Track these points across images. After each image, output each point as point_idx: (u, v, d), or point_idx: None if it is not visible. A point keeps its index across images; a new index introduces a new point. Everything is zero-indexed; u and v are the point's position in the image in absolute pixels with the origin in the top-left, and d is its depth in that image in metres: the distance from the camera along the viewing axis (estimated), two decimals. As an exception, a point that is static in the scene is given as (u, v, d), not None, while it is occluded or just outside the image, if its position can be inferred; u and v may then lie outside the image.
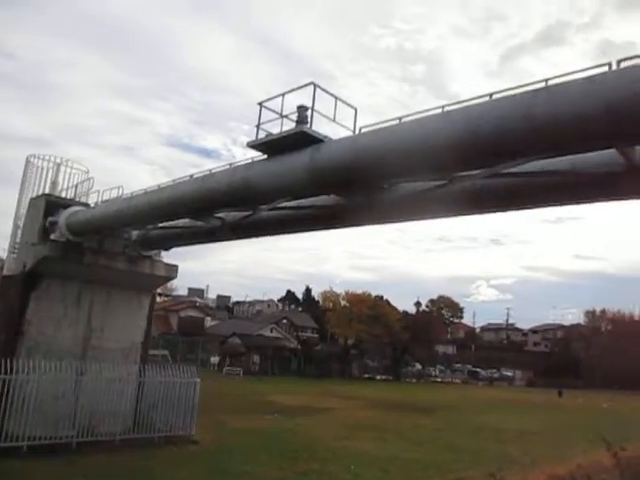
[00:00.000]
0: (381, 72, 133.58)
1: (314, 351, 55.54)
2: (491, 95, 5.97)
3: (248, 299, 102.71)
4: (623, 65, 5.16)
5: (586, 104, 4.85)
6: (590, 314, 70.34)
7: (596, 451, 11.86)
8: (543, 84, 5.56)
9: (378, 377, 57.39)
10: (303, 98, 8.42)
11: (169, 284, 67.49)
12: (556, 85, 5.31)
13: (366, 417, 24.75)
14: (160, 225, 13.32)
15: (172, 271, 17.44)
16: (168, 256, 17.24)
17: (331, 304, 61.60)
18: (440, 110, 6.48)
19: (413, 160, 6.56)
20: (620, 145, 5.48)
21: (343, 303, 59.87)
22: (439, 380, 63.56)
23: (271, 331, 57.63)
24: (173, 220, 12.39)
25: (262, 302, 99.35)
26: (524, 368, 68.06)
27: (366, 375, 56.46)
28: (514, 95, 5.53)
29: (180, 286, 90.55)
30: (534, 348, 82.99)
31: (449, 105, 6.54)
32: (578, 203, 7.36)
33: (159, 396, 15.50)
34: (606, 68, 5.24)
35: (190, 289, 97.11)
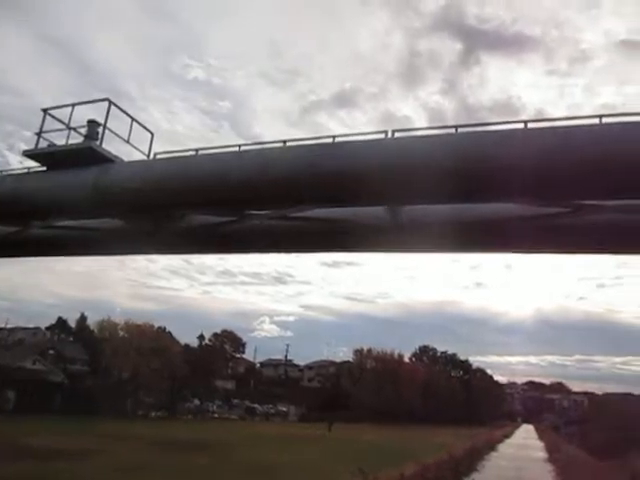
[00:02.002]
0: (186, 101, 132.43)
1: (83, 386, 50.58)
2: (285, 142, 6.34)
3: (8, 326, 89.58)
4: (397, 135, 5.95)
5: (364, 163, 5.45)
6: (358, 352, 76.91)
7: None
8: (330, 140, 6.11)
9: (153, 414, 54.40)
10: (96, 114, 7.91)
11: None
12: (341, 142, 5.88)
13: (135, 459, 23.09)
14: None
15: None
16: None
17: (108, 334, 57.17)
18: (237, 148, 6.65)
19: (206, 193, 6.56)
20: (389, 203, 6.22)
21: (122, 334, 56.05)
22: (216, 416, 62.72)
23: (34, 363, 51.08)
24: None
25: (26, 329, 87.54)
26: (299, 403, 70.97)
27: (140, 412, 53.09)
28: (303, 145, 5.95)
29: None
30: (309, 384, 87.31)
31: (246, 145, 6.76)
32: (354, 251, 8.09)
33: None
34: (383, 135, 5.98)
35: None
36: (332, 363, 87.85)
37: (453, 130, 5.76)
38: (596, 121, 5.25)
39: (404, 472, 15.34)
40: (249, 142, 6.66)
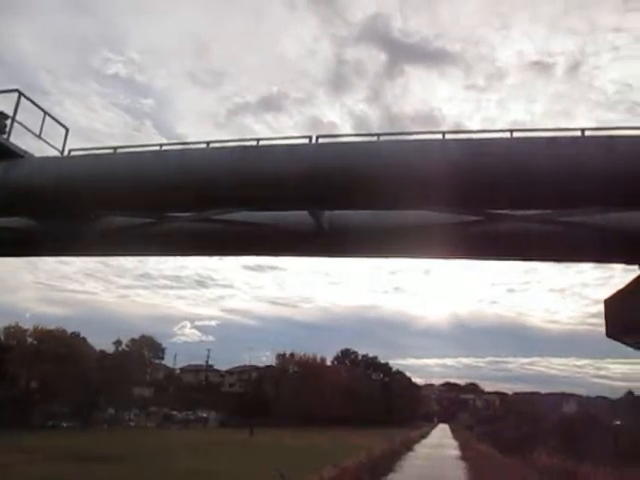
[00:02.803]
0: (106, 97, 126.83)
1: (-16, 397, 47.03)
2: (208, 143, 6.23)
3: None
4: (321, 140, 6.01)
5: (287, 167, 5.45)
6: (281, 356, 76.83)
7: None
8: (255, 142, 6.07)
9: (65, 424, 51.52)
10: (4, 106, 7.40)
11: None
12: (265, 146, 5.86)
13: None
14: None
15: None
16: None
17: (15, 341, 53.62)
18: (158, 147, 6.46)
19: (123, 193, 6.31)
20: (311, 208, 6.26)
21: (30, 340, 52.78)
22: (133, 425, 60.38)
23: None
24: None
25: None
26: (220, 409, 69.79)
27: (50, 423, 50.11)
28: (227, 147, 5.88)
29: None
30: (230, 389, 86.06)
31: (167, 145, 6.58)
32: (277, 256, 8.06)
33: None
34: (307, 140, 6.03)
35: None
36: (254, 368, 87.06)
37: (375, 138, 5.91)
38: (507, 135, 5.57)
39: (323, 475, 15.44)
40: (171, 142, 6.48)
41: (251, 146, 5.94)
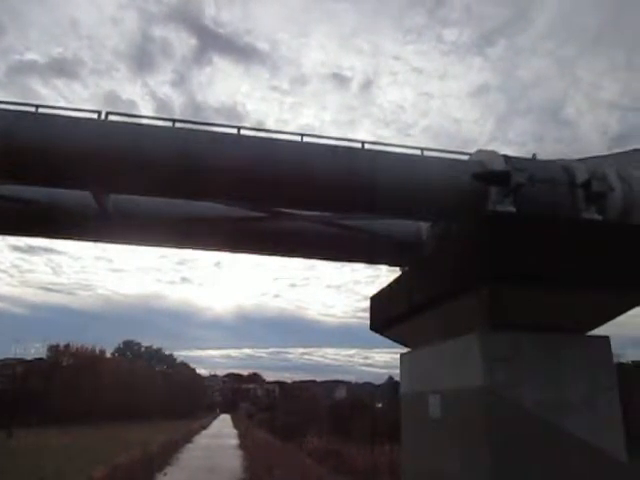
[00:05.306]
0: None
1: None
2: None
3: None
4: (111, 117, 5.62)
5: (68, 141, 4.99)
6: (54, 348, 69.89)
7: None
8: (33, 109, 5.42)
9: None
10: None
11: None
12: (44, 114, 5.27)
13: None
14: None
15: None
16: None
17: None
18: None
19: None
20: (95, 189, 5.83)
21: None
22: None
23: None
24: None
25: None
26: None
27: None
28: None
29: None
30: (-11, 386, 75.57)
31: None
32: (52, 238, 7.31)
33: None
34: (95, 115, 5.59)
35: None
36: (20, 361, 77.73)
37: (170, 124, 5.74)
38: (298, 139, 5.90)
39: (93, 476, 14.54)
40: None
41: (28, 112, 5.29)
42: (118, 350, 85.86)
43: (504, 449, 5.11)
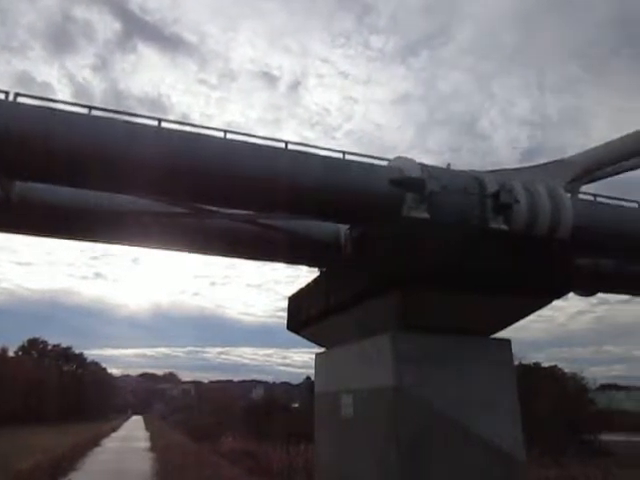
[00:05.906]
0: None
1: None
2: None
3: None
4: (20, 99, 5.29)
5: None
6: None
7: None
8: None
9: None
10: None
11: None
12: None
13: None
14: None
15: None
16: None
17: None
18: None
19: None
20: (-1, 176, 5.46)
21: None
22: None
23: None
24: None
25: None
26: None
27: None
28: None
29: None
30: None
31: None
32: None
33: None
34: (3, 96, 5.23)
35: None
36: None
37: (86, 110, 5.48)
38: (221, 135, 5.81)
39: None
40: None
41: None
42: (22, 349, 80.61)
43: (411, 448, 5.30)
